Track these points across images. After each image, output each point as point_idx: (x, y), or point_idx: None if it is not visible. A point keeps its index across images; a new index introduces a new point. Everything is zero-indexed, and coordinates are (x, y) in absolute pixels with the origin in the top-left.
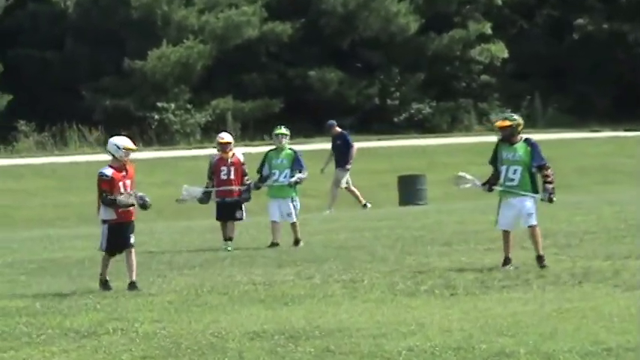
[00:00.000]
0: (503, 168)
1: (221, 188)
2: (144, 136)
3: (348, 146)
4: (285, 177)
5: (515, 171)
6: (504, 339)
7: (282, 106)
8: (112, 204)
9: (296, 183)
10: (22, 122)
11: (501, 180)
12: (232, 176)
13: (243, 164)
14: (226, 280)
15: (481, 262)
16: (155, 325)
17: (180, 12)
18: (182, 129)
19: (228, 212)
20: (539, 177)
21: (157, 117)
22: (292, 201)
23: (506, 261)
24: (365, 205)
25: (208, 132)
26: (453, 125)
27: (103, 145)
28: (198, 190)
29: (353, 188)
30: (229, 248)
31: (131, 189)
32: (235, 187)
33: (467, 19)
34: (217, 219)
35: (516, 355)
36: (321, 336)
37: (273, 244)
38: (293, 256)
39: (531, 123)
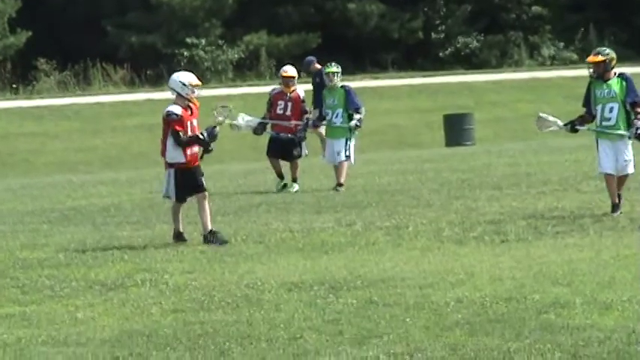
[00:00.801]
0: (599, 107)
1: (275, 121)
2: (171, 75)
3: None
4: (337, 117)
5: (611, 109)
6: (559, 288)
7: (320, 41)
8: (194, 142)
9: (356, 126)
10: (42, 60)
11: (597, 120)
12: (289, 112)
13: (302, 101)
14: (262, 227)
15: (534, 206)
16: (186, 276)
17: None
18: (213, 66)
19: (281, 149)
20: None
21: (186, 54)
22: (347, 141)
23: (615, 207)
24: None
25: (241, 69)
26: (502, 60)
27: (128, 84)
28: (254, 120)
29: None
30: (293, 189)
31: (198, 129)
32: (291, 123)
33: None
34: (267, 154)
35: (572, 306)
36: (363, 287)
37: (339, 185)
38: (332, 201)
39: (586, 57)
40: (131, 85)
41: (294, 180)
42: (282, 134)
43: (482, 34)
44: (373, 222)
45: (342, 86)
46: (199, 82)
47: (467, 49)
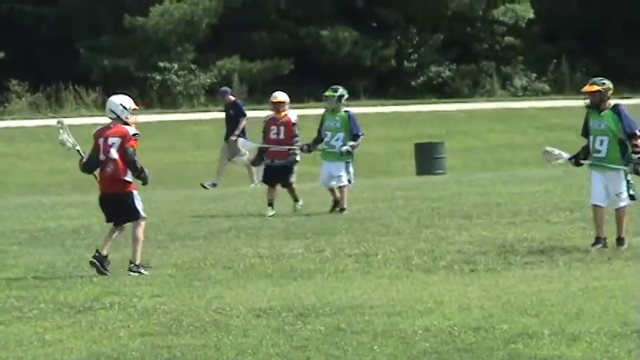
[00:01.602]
0: (591, 138)
1: (268, 146)
2: (145, 98)
3: (240, 116)
4: (337, 140)
5: (602, 142)
6: (527, 318)
7: (293, 67)
8: (143, 171)
9: (348, 152)
10: (14, 82)
11: (590, 151)
12: (282, 136)
13: (294, 124)
14: (231, 252)
15: (503, 236)
16: (155, 300)
17: None
18: (185, 91)
19: (276, 176)
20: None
21: (158, 78)
22: (346, 165)
23: (597, 240)
24: (207, 186)
25: (213, 94)
26: (474, 90)
27: (101, 107)
28: (253, 145)
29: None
30: (270, 214)
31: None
32: (285, 147)
33: None
34: (263, 181)
35: (540, 336)
36: (331, 313)
37: (336, 205)
38: (302, 227)
39: (558, 88)
40: (103, 107)
41: (296, 200)
42: (276, 161)
43: (455, 64)
44: (342, 249)
45: (345, 111)
46: (137, 107)
47: (439, 78)
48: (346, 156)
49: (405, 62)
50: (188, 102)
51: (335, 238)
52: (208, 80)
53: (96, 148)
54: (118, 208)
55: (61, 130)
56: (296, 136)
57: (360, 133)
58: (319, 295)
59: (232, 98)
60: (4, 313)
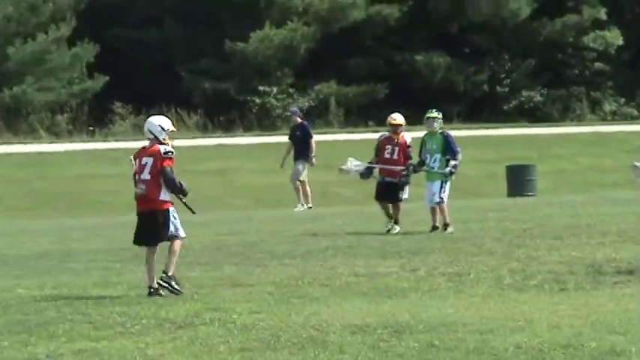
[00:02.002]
0: None
1: (382, 166)
2: (244, 121)
3: (307, 138)
4: (434, 161)
5: None
6: (615, 337)
7: (388, 91)
8: (181, 186)
9: (451, 173)
10: (118, 104)
11: None
12: (396, 156)
13: (408, 146)
14: (328, 271)
15: (592, 256)
16: (254, 316)
17: None
18: (284, 114)
19: (386, 193)
20: None
21: (258, 101)
22: (442, 184)
23: None
24: (300, 207)
25: (311, 117)
26: (565, 114)
27: (201, 129)
28: (362, 165)
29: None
30: (395, 230)
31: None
32: (397, 168)
33: (581, 4)
34: (375, 198)
35: (627, 354)
36: (425, 330)
37: (434, 227)
38: (397, 247)
39: None
40: (204, 130)
41: (396, 222)
42: (387, 178)
43: (546, 89)
44: (436, 268)
45: (441, 132)
46: (175, 129)
47: (530, 103)
48: (447, 176)
49: (498, 87)
50: (287, 124)
51: (429, 257)
52: (306, 104)
53: (134, 169)
54: (150, 226)
55: None
56: (410, 157)
57: (458, 150)
58: (413, 313)
59: (300, 120)
60: (108, 329)
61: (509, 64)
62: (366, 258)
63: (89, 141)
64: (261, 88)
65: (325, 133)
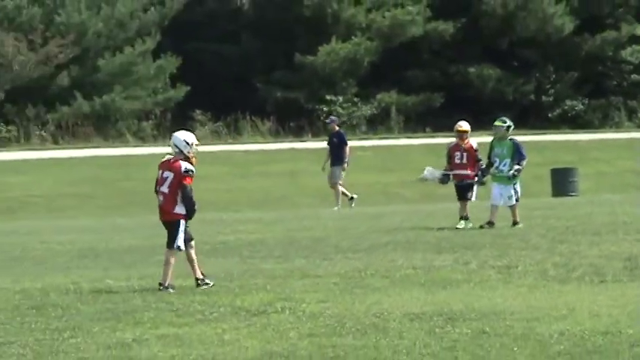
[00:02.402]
0: None
1: (456, 172)
2: (312, 127)
3: (342, 145)
4: (504, 165)
5: None
6: None
7: (443, 100)
8: (194, 207)
9: (514, 176)
10: (198, 112)
11: None
12: (465, 160)
13: (475, 150)
14: (388, 264)
15: (629, 251)
16: (321, 305)
17: (349, 10)
18: (349, 121)
19: (462, 194)
20: None
21: (325, 109)
22: (514, 185)
23: None
24: (351, 199)
25: (373, 124)
26: (604, 121)
27: (274, 134)
28: (438, 172)
29: (340, 187)
30: (460, 226)
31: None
32: (468, 171)
33: (619, 21)
34: (458, 199)
35: None
36: (477, 318)
37: (490, 223)
38: (451, 242)
39: None
40: (276, 135)
41: (467, 218)
42: (464, 181)
43: (587, 98)
44: (487, 261)
45: (510, 139)
46: (199, 142)
47: (573, 111)
48: (513, 179)
49: (543, 97)
50: (351, 131)
51: (480, 252)
52: (369, 111)
53: (157, 178)
54: (169, 233)
55: None
56: (479, 160)
57: (525, 156)
58: (466, 302)
59: (337, 128)
60: (188, 316)
61: (553, 76)
62: (423, 252)
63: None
64: (327, 97)
65: (386, 138)
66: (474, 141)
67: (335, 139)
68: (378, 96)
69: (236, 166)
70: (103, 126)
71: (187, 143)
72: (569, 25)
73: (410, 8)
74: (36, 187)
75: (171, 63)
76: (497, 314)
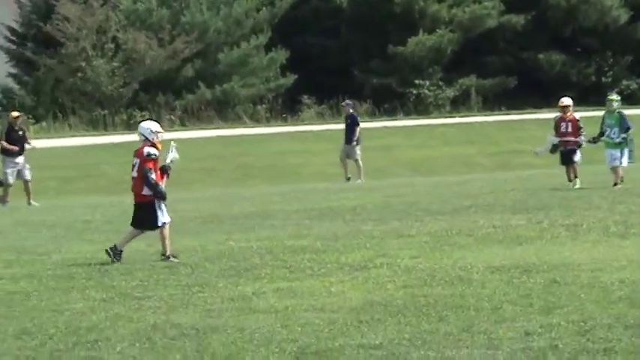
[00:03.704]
0: None
1: (563, 138)
2: (404, 108)
3: (354, 125)
4: (614, 134)
5: None
6: None
7: (516, 83)
8: (155, 187)
9: (620, 142)
10: (305, 97)
11: None
12: (569, 129)
13: (577, 121)
14: (471, 224)
15: None
16: (414, 260)
17: (434, 6)
18: (435, 102)
19: (567, 158)
20: None
21: (414, 92)
22: (622, 151)
23: None
24: (348, 179)
25: (456, 104)
26: None
27: (370, 115)
28: (555, 139)
29: (360, 163)
30: (576, 186)
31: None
32: (572, 138)
33: None
34: (561, 164)
35: None
36: (548, 270)
37: (615, 184)
38: (525, 204)
39: None
40: (372, 115)
41: (576, 176)
42: (567, 147)
43: None
44: (556, 220)
45: (618, 112)
46: (163, 131)
47: (628, 90)
48: (622, 144)
49: (602, 78)
50: (437, 110)
51: (550, 212)
52: (452, 93)
53: (132, 166)
54: (139, 215)
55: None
56: (581, 128)
57: (630, 127)
58: (539, 256)
59: (351, 111)
60: (300, 272)
61: (611, 60)
62: (500, 213)
63: (283, 125)
64: (416, 81)
65: (467, 116)
66: (576, 114)
67: (349, 121)
68: (460, 80)
69: (338, 142)
70: (224, 110)
71: (152, 131)
72: (624, 16)
73: (486, 3)
74: None
75: (281, 55)
76: (566, 266)
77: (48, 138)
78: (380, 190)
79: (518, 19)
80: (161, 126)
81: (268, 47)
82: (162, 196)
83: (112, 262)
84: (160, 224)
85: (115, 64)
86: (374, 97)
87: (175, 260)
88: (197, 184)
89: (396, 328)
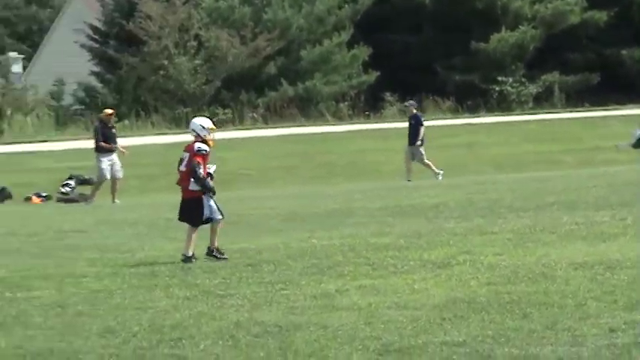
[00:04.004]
0: None
1: None
2: (487, 105)
3: (418, 125)
4: None
5: None
6: None
7: (599, 79)
8: (203, 181)
9: None
10: (387, 94)
11: None
12: None
13: None
14: (554, 221)
15: None
16: (497, 257)
17: (516, 3)
18: (517, 98)
19: None
20: None
21: (497, 89)
22: None
23: None
24: (409, 181)
25: (539, 101)
26: None
27: (453, 112)
28: (636, 134)
29: (427, 162)
30: None
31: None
32: None
33: None
34: None
35: None
36: (632, 266)
37: None
38: (608, 200)
39: None
40: (455, 112)
41: None
42: None
43: None
44: None
45: None
46: (215, 127)
47: None
48: None
49: None
50: (520, 107)
51: (634, 208)
52: (535, 90)
53: (180, 160)
54: (187, 210)
55: None
56: None
57: None
58: (622, 252)
59: (414, 111)
60: (383, 269)
61: None
62: (584, 210)
63: (365, 122)
64: (499, 78)
65: (550, 112)
66: None
67: (413, 122)
68: (543, 76)
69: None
70: (306, 107)
71: (203, 127)
72: None
73: (569, 0)
74: (249, 162)
75: (363, 52)
76: None
77: (130, 136)
78: (462, 187)
79: (601, 15)
80: (213, 123)
81: (350, 44)
82: (210, 190)
83: (223, 260)
84: (204, 219)
85: (197, 61)
86: (456, 94)
87: (223, 257)
88: (279, 181)
89: (480, 325)
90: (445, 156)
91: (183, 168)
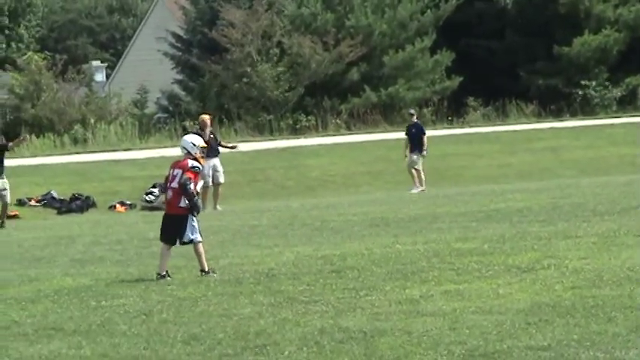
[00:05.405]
0: None
1: None
2: (570, 108)
3: (421, 134)
4: None
5: None
6: None
7: None
8: (192, 197)
9: None
10: (471, 99)
11: None
12: None
13: None
14: (639, 224)
15: None
16: (582, 261)
17: (599, 6)
18: (601, 102)
19: None
20: None
21: (580, 92)
22: None
23: None
24: (415, 189)
25: (623, 104)
26: None
27: (536, 116)
28: None
29: (418, 170)
30: None
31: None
32: None
33: None
34: None
35: None
36: None
37: None
38: None
39: None
40: (538, 116)
41: None
42: None
43: None
44: None
45: None
46: (205, 145)
47: None
48: None
49: None
50: (603, 111)
51: None
52: (618, 93)
53: (167, 176)
54: (170, 228)
55: None
56: None
57: None
58: None
59: (415, 120)
60: (467, 274)
61: None
62: None
63: (448, 127)
64: (582, 82)
65: (635, 116)
66: None
67: (414, 130)
68: (627, 80)
69: (504, 144)
70: (389, 113)
71: (194, 145)
72: None
73: None
74: (333, 168)
75: (446, 57)
76: None
77: None
78: (547, 191)
79: None
80: (204, 140)
81: (433, 50)
82: (197, 208)
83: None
84: (186, 240)
85: (280, 68)
86: (540, 98)
87: (215, 275)
88: (364, 187)
89: (565, 329)
90: (529, 160)
91: (175, 185)
